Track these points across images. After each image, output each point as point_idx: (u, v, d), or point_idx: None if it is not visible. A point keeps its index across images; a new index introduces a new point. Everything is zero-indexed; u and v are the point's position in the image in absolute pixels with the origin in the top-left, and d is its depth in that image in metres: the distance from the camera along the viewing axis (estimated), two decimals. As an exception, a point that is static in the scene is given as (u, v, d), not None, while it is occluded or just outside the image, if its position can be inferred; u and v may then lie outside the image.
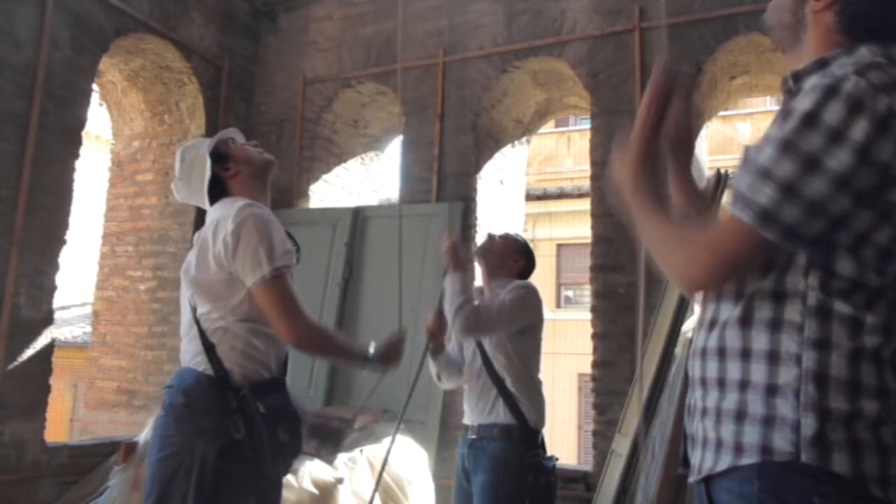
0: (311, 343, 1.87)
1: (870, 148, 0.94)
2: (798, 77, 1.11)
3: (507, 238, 2.86)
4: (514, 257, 2.79)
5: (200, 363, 1.78)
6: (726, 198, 2.83)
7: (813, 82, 1.03)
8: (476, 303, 2.62)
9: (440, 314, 2.66)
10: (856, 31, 1.07)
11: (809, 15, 1.12)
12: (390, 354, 2.05)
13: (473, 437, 2.60)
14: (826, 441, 0.94)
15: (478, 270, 3.06)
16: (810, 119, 0.96)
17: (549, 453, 2.65)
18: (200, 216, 4.55)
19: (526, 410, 2.55)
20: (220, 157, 1.96)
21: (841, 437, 0.95)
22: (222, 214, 1.84)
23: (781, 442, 0.97)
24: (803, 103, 0.98)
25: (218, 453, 1.68)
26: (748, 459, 0.99)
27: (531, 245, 2.97)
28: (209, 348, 1.77)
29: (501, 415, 2.54)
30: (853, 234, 0.98)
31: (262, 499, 1.80)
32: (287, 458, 1.84)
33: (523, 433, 2.53)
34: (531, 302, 2.66)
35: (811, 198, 0.95)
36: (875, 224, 0.98)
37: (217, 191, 1.96)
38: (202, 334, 1.79)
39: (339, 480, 3.22)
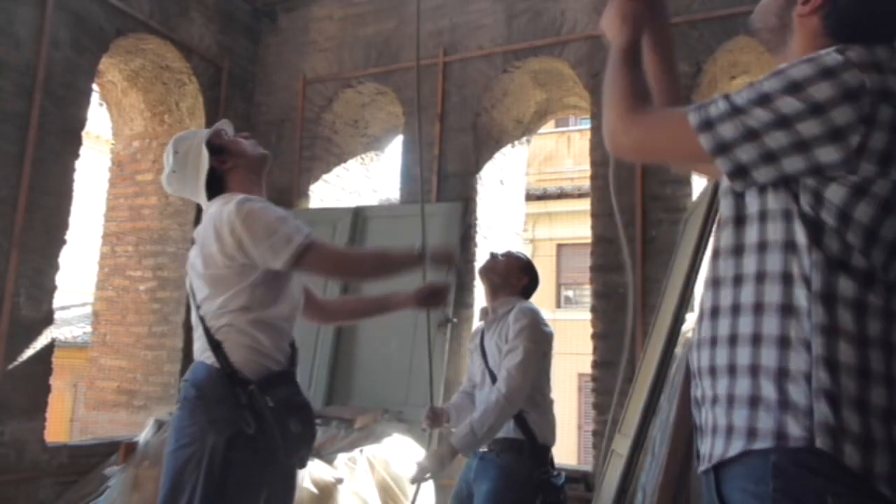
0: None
1: (826, 108, 0.98)
2: None
3: (509, 256, 2.84)
4: (517, 275, 2.77)
5: (209, 357, 1.80)
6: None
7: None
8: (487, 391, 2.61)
9: (434, 413, 2.74)
10: (841, 34, 1.10)
11: (796, 19, 1.16)
12: (443, 255, 2.17)
13: (483, 450, 2.57)
14: (839, 428, 0.95)
15: (481, 289, 3.06)
16: (779, 72, 1.04)
17: (556, 471, 2.64)
18: (200, 216, 4.55)
19: (534, 426, 2.54)
20: (215, 149, 1.94)
21: (852, 426, 0.95)
22: (221, 209, 1.82)
23: (795, 427, 0.97)
24: (780, 66, 1.07)
25: (227, 443, 1.70)
26: (762, 444, 1.00)
27: (533, 262, 2.95)
28: (215, 346, 1.78)
29: (511, 430, 2.53)
30: (834, 209, 1.01)
31: (274, 490, 1.81)
32: (301, 448, 1.85)
33: (532, 449, 2.53)
34: (539, 333, 2.61)
35: (750, 124, 1.03)
36: (851, 200, 1.00)
37: (214, 184, 1.93)
38: (207, 332, 1.80)
39: (339, 480, 3.22)
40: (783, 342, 1.01)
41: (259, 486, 1.76)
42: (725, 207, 1.14)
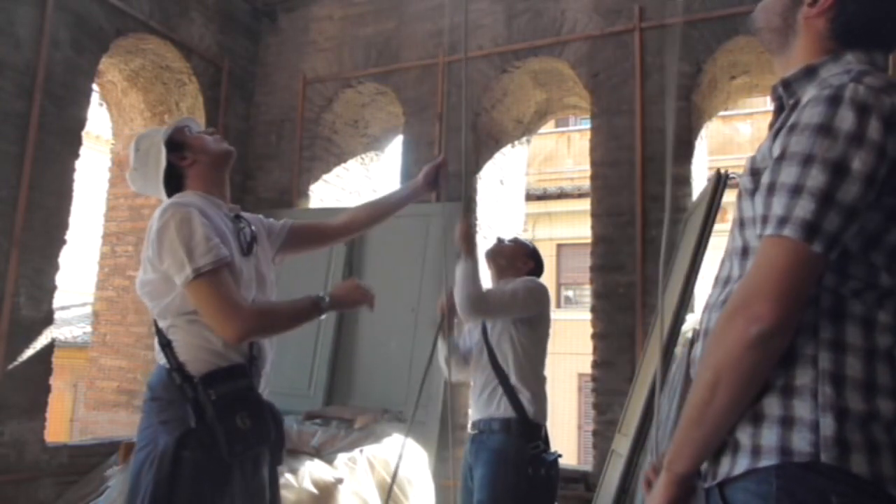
0: (254, 332, 1.79)
1: (885, 145, 0.95)
2: (787, 84, 1.12)
3: (516, 241, 2.95)
4: (522, 259, 2.87)
5: (162, 358, 1.81)
6: (727, 197, 2.83)
7: (811, 95, 1.04)
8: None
9: (451, 296, 2.73)
10: (846, 38, 1.09)
11: (801, 21, 1.14)
12: (347, 295, 2.02)
13: (475, 431, 2.66)
14: (845, 441, 0.95)
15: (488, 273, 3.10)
16: (825, 129, 0.97)
17: (552, 449, 2.68)
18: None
19: (526, 403, 2.59)
20: (175, 145, 1.92)
21: (859, 438, 0.95)
22: (154, 215, 1.83)
23: (800, 443, 0.97)
24: (810, 116, 0.99)
25: (177, 442, 1.69)
26: (767, 461, 0.98)
27: (538, 249, 3.03)
28: (165, 345, 1.80)
29: (502, 409, 2.59)
30: (865, 236, 0.99)
31: (235, 487, 1.76)
32: (252, 445, 1.77)
33: (522, 427, 2.57)
34: (539, 294, 2.74)
35: (848, 203, 0.95)
36: (886, 226, 0.99)
37: (174, 181, 1.92)
38: (158, 332, 1.82)
39: (339, 480, 3.22)
40: (788, 358, 1.00)
41: (218, 483, 1.73)
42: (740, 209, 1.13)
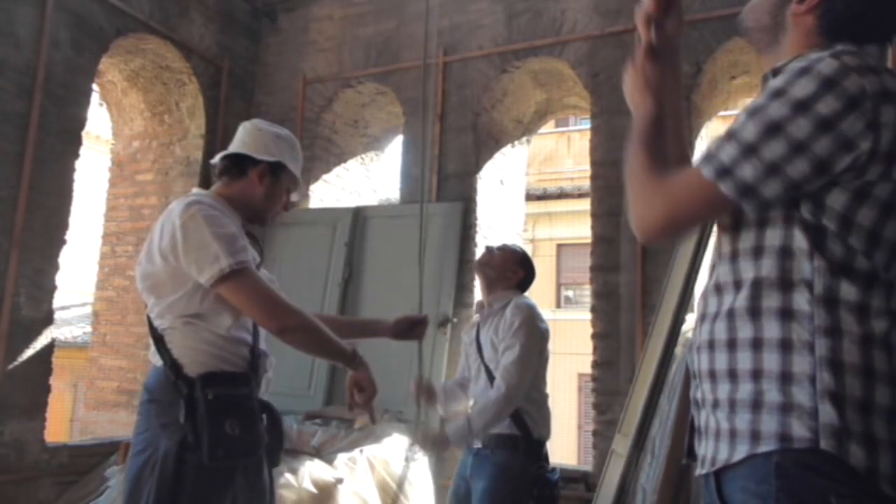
0: (298, 328, 1.79)
1: (836, 122, 0.97)
2: (778, 72, 1.13)
3: (505, 250, 2.82)
4: (512, 269, 2.75)
5: (156, 357, 1.78)
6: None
7: (790, 66, 1.06)
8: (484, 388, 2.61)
9: (421, 386, 2.71)
10: (835, 33, 1.10)
11: (790, 18, 1.16)
12: (370, 375, 2.03)
13: (479, 446, 2.59)
14: (844, 429, 0.95)
15: (477, 283, 3.05)
16: (779, 92, 1.02)
17: (550, 462, 2.66)
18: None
19: (531, 422, 2.55)
20: (275, 170, 1.93)
21: (858, 426, 0.95)
22: (173, 207, 1.80)
23: (800, 429, 0.97)
24: (776, 81, 1.04)
25: (179, 446, 1.67)
26: (766, 447, 0.99)
27: (529, 255, 2.93)
28: (158, 340, 1.77)
29: (506, 426, 2.53)
30: (835, 215, 1.01)
31: (237, 489, 1.74)
32: (234, 455, 1.73)
33: (528, 444, 2.53)
34: (535, 329, 2.60)
35: (768, 158, 1.00)
36: (853, 205, 1.00)
37: (237, 169, 1.92)
38: (152, 329, 1.79)
39: (339, 480, 3.22)
40: (785, 345, 1.01)
41: (220, 485, 1.72)
42: (723, 214, 1.14)
